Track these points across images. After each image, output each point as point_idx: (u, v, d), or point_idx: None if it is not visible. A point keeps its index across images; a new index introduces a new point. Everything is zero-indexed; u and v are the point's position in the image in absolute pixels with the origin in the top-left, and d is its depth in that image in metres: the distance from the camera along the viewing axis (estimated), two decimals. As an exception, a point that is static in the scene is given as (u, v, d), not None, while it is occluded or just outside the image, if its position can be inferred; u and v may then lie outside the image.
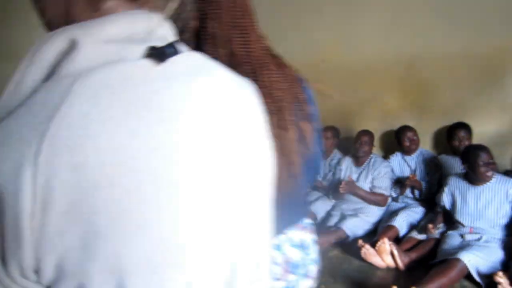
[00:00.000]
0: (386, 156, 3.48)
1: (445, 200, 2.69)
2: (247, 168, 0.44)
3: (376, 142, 3.62)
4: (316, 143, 1.00)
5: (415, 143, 3.22)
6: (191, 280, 0.39)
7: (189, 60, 0.42)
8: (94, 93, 0.34)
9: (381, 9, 3.40)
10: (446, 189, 2.71)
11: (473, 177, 2.54)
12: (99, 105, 0.34)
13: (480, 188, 2.54)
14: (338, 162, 3.52)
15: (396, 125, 3.41)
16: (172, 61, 0.39)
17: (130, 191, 0.34)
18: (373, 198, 3.14)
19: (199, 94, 0.40)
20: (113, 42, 0.37)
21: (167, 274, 0.37)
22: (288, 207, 0.82)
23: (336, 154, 3.64)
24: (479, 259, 2.24)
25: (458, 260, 2.18)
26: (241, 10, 0.78)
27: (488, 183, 2.52)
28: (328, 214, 3.27)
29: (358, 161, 3.36)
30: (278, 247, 0.91)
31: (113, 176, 0.33)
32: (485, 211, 2.51)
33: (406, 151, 3.28)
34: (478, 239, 2.39)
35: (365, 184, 3.21)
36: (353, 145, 3.34)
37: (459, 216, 2.60)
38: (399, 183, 3.25)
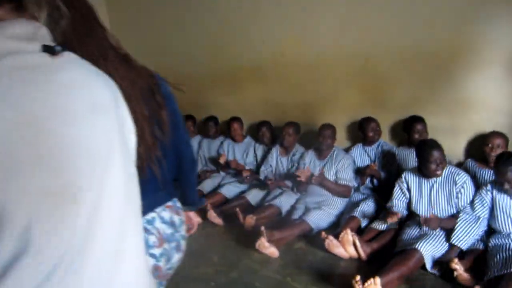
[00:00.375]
0: (348, 149, 3.55)
1: (399, 194, 2.80)
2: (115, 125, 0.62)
3: (337, 135, 3.70)
4: (175, 130, 1.16)
5: (378, 133, 3.34)
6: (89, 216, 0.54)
7: (70, 56, 0.61)
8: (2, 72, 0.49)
9: (337, 4, 3.46)
10: (399, 183, 2.82)
11: (424, 172, 2.67)
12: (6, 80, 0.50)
13: (432, 180, 2.67)
14: (301, 156, 3.55)
15: (356, 119, 3.50)
16: (60, 55, 0.58)
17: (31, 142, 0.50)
18: (339, 189, 3.21)
19: (80, 78, 0.60)
20: (14, 39, 0.53)
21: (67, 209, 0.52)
22: (153, 189, 1.09)
23: (298, 148, 3.67)
24: (435, 248, 2.36)
25: (416, 250, 2.28)
26: (89, 19, 0.97)
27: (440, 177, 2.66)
28: (293, 208, 3.31)
29: (321, 155, 3.41)
30: (150, 222, 1.13)
31: (18, 128, 0.49)
32: (438, 201, 2.64)
33: (368, 142, 3.38)
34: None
35: (329, 177, 3.26)
36: (316, 139, 3.38)
37: (415, 208, 2.72)
38: (360, 173, 3.35)
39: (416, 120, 3.11)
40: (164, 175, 1.12)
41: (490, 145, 2.72)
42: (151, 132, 1.06)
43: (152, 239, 1.11)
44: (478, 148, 2.96)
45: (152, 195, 1.11)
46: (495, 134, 2.76)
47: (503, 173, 2.27)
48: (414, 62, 3.19)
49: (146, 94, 1.08)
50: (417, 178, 2.75)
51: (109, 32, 1.06)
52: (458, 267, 2.15)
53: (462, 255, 2.35)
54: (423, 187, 2.70)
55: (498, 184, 2.38)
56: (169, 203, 1.21)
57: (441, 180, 2.65)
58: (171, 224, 1.19)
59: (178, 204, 1.27)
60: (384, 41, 3.28)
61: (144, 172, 1.01)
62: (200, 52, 4.69)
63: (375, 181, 3.34)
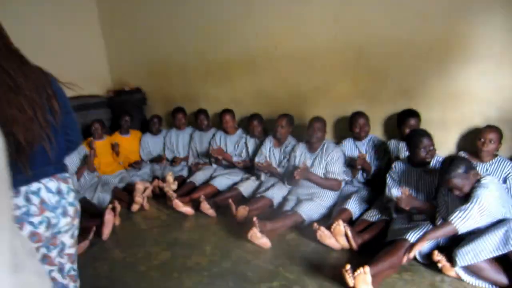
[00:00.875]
0: (339, 142, 3.58)
1: (391, 185, 2.83)
2: None
3: (329, 128, 3.73)
4: (65, 118, 1.43)
5: (365, 130, 3.34)
6: None
7: None
8: None
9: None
10: (390, 173, 2.86)
11: (414, 160, 2.71)
12: None
13: (420, 169, 2.72)
14: (293, 149, 3.57)
15: (349, 112, 3.52)
16: None
17: None
18: (327, 184, 3.22)
19: None
20: None
21: None
22: (42, 162, 1.33)
23: (291, 141, 3.69)
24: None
25: (406, 240, 2.32)
26: None
27: (429, 166, 2.71)
28: (285, 199, 3.33)
29: (311, 147, 3.43)
30: (35, 192, 1.31)
31: None
32: (428, 191, 2.69)
33: (357, 137, 3.40)
34: (425, 219, 2.55)
35: (319, 170, 3.28)
36: (307, 132, 3.40)
37: None
38: (350, 166, 3.38)
39: (410, 114, 3.13)
40: (54, 151, 1.36)
41: (482, 140, 2.73)
42: (43, 116, 1.31)
43: (33, 208, 1.30)
44: (470, 141, 2.99)
45: (40, 168, 1.33)
46: (488, 128, 2.75)
47: (446, 182, 2.28)
48: (407, 54, 3.21)
49: (40, 87, 1.33)
50: (406, 167, 2.80)
51: (1, 27, 1.29)
52: (439, 258, 2.20)
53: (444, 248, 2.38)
54: (412, 177, 2.75)
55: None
56: (58, 175, 1.40)
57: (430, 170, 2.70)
58: (58, 192, 1.38)
59: (67, 175, 1.47)
60: (378, 33, 3.29)
61: (34, 147, 1.28)
62: (192, 44, 4.67)
63: (365, 174, 3.38)
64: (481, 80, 2.91)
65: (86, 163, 3.91)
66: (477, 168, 2.74)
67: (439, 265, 2.21)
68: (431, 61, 3.10)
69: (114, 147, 4.36)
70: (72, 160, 3.94)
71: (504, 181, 2.68)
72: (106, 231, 3.09)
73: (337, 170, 3.24)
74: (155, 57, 5.13)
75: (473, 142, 2.85)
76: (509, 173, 2.67)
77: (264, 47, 4.05)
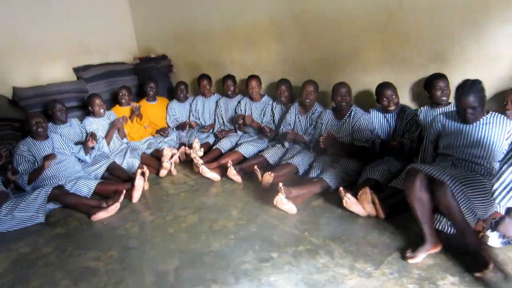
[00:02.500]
0: (367, 110, 3.47)
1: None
2: None
3: (356, 96, 3.62)
4: None
5: (395, 101, 3.14)
6: None
7: None
8: None
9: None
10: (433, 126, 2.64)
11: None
12: None
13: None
14: (319, 116, 3.51)
15: (377, 78, 3.38)
16: None
17: None
18: (353, 150, 3.17)
19: None
20: None
21: None
22: None
23: (317, 107, 3.62)
24: None
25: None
26: None
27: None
28: (310, 166, 3.31)
29: (339, 114, 3.36)
30: None
31: None
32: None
33: (386, 110, 3.26)
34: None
35: (346, 137, 3.23)
36: (332, 99, 3.32)
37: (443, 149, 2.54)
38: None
39: (438, 77, 2.99)
40: None
41: (506, 102, 2.64)
42: None
43: None
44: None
45: None
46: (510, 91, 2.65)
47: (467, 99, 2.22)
48: (441, 16, 3.01)
49: None
50: (447, 120, 2.53)
51: None
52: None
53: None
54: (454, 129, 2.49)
55: None
56: None
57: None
58: None
59: None
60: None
61: None
62: (216, 9, 4.58)
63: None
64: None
65: (114, 128, 4.01)
66: None
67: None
68: (467, 21, 2.91)
69: (136, 110, 4.34)
70: (102, 125, 4.05)
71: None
72: (136, 195, 3.19)
73: (365, 137, 3.17)
74: (180, 23, 5.08)
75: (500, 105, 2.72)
76: None
77: (290, 11, 3.92)
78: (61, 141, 3.51)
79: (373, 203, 2.54)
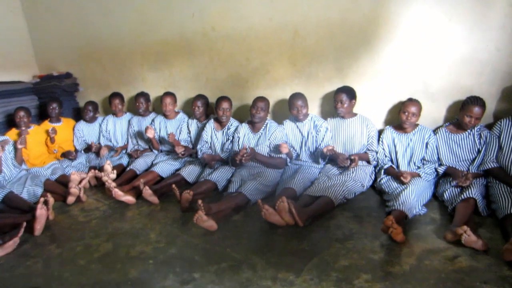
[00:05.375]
0: (279, 123, 3.61)
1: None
2: None
3: (270, 109, 3.75)
4: None
5: (304, 112, 3.34)
6: None
7: None
8: None
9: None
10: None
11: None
12: None
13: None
14: (236, 130, 3.55)
15: (287, 92, 3.56)
16: None
17: None
18: (273, 162, 3.28)
19: None
20: None
21: None
22: None
23: (233, 122, 3.66)
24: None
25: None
26: None
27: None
28: (229, 181, 3.32)
29: (254, 127, 3.44)
30: None
31: None
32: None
33: (297, 119, 3.44)
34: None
35: (263, 149, 3.32)
36: (250, 112, 3.39)
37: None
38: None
39: (339, 91, 3.26)
40: None
41: (406, 113, 3.02)
42: None
43: None
44: (395, 115, 3.26)
45: None
46: (410, 102, 3.04)
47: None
48: (340, 35, 3.31)
49: None
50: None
51: None
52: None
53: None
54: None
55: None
56: None
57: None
58: None
59: None
60: (312, 14, 3.36)
61: None
62: (126, 26, 4.42)
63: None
64: (404, 56, 3.14)
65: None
66: (402, 138, 3.09)
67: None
68: (361, 40, 3.24)
69: (51, 133, 3.97)
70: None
71: (426, 146, 3.05)
72: (38, 227, 2.85)
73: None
74: (85, 40, 4.78)
75: (397, 116, 3.13)
76: (429, 139, 3.05)
77: (201, 28, 3.95)
78: None
79: (291, 212, 2.62)
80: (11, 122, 4.15)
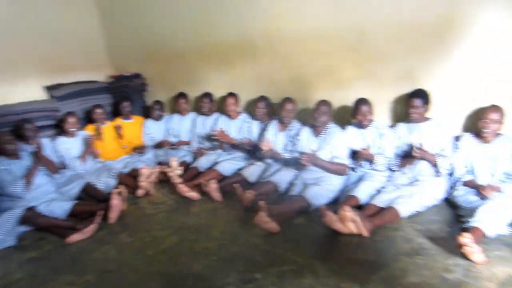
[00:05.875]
0: (342, 127, 3.54)
1: None
2: None
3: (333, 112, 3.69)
4: None
5: (368, 118, 3.27)
6: None
7: None
8: None
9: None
10: None
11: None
12: None
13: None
14: (298, 133, 3.55)
15: (350, 95, 3.48)
16: None
17: None
18: (334, 168, 3.22)
19: None
20: None
21: None
22: None
23: (296, 125, 3.66)
24: None
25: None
26: None
27: None
28: (291, 184, 3.32)
29: (316, 131, 3.41)
30: None
31: None
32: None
33: (361, 125, 3.35)
34: None
35: (324, 154, 3.27)
36: (313, 115, 3.37)
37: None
38: (354, 154, 3.33)
39: (413, 95, 3.12)
40: None
41: (486, 120, 2.81)
42: None
43: None
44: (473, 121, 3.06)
45: None
46: (490, 107, 2.82)
47: None
48: (410, 35, 3.18)
49: None
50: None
51: None
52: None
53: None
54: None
55: None
56: None
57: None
58: None
59: None
60: (380, 14, 3.26)
61: None
62: (190, 27, 4.58)
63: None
64: (483, 58, 2.95)
65: (89, 147, 3.91)
66: (481, 147, 2.89)
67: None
68: (434, 40, 3.08)
69: (118, 129, 4.31)
70: (75, 145, 3.92)
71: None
72: (113, 216, 3.08)
73: (344, 154, 3.22)
74: (153, 41, 5.04)
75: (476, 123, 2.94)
76: None
77: (264, 30, 3.99)
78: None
79: (354, 221, 2.55)
80: (88, 119, 4.51)
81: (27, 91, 4.49)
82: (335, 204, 2.96)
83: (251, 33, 4.10)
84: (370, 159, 3.22)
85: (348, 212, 2.54)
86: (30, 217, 2.89)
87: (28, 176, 3.17)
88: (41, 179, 3.31)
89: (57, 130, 4.28)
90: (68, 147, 3.87)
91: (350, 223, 2.55)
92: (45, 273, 2.45)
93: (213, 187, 3.34)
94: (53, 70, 4.81)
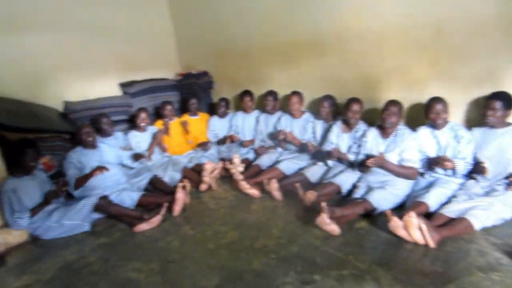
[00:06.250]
0: (413, 129, 3.34)
1: None
2: None
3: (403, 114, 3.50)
4: None
5: (443, 118, 3.02)
6: None
7: None
8: None
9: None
10: None
11: None
12: None
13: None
14: (364, 134, 3.42)
15: (424, 96, 3.26)
16: None
17: None
18: (403, 172, 3.04)
19: None
20: None
21: None
22: None
23: (362, 126, 3.53)
24: None
25: None
26: None
27: None
28: (354, 186, 3.21)
29: (384, 133, 3.25)
30: None
31: None
32: None
33: (434, 125, 3.11)
34: None
35: (392, 157, 3.11)
36: (380, 116, 3.22)
37: None
38: (429, 160, 3.09)
39: (493, 97, 2.84)
40: None
41: None
42: None
43: None
44: None
45: None
46: None
47: None
48: (495, 31, 2.89)
49: None
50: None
51: None
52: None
53: None
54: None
55: None
56: None
57: None
58: None
59: None
60: (460, 9, 3.00)
61: None
62: (257, 26, 4.63)
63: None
64: None
65: (156, 141, 4.14)
66: None
67: None
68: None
69: (184, 125, 4.50)
70: (146, 139, 4.16)
71: None
72: (177, 208, 3.22)
73: (414, 158, 3.04)
74: (220, 40, 5.18)
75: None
76: None
77: (334, 29, 3.89)
78: (109, 153, 3.64)
79: (420, 230, 2.39)
80: (157, 114, 4.76)
81: (104, 87, 4.87)
82: (401, 210, 2.80)
83: (319, 33, 4.03)
84: (449, 168, 2.93)
85: (414, 219, 2.39)
86: (103, 205, 3.12)
87: (83, 179, 3.37)
88: (114, 169, 3.56)
89: (129, 125, 4.58)
90: (138, 140, 4.13)
91: (416, 230, 2.40)
92: (115, 259, 2.63)
93: (274, 186, 3.35)
94: (127, 68, 5.16)
